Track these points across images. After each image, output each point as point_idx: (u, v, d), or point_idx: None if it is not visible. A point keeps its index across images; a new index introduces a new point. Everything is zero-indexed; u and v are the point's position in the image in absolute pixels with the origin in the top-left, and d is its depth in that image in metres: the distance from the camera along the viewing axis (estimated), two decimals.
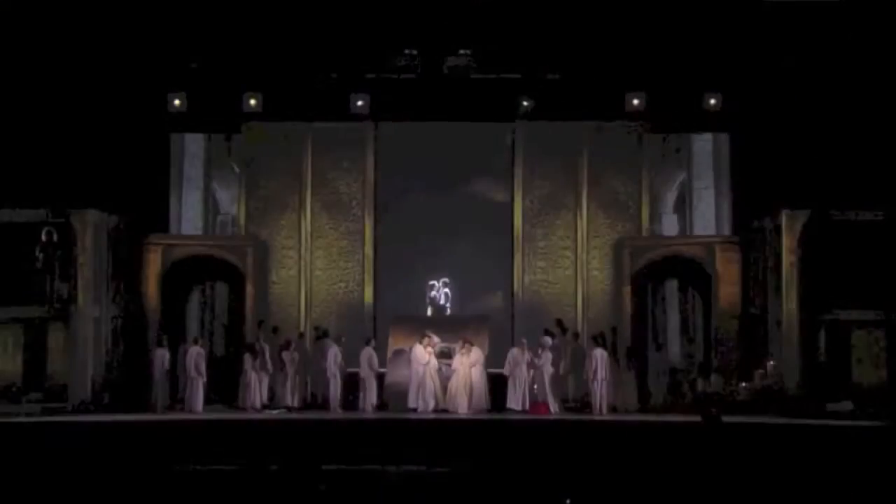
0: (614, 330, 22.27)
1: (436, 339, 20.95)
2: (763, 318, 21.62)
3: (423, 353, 20.76)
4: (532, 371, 20.83)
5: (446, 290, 22.67)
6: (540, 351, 20.89)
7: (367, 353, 21.07)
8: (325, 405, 21.12)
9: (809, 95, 21.16)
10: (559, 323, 22.03)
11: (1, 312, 20.77)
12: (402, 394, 20.94)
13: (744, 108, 21.99)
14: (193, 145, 24.01)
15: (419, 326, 21.49)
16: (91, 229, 21.15)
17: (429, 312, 22.99)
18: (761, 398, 20.31)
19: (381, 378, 21.28)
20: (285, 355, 21.29)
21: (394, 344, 21.62)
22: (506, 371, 20.91)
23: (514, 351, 20.99)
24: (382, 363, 21.36)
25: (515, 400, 20.75)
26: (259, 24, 20.83)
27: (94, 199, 21.34)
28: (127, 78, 21.39)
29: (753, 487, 13.60)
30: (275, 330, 22.13)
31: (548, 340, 21.00)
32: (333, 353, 21.07)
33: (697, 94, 21.98)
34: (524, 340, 21.22)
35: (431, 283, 22.87)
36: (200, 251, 23.00)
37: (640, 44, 21.12)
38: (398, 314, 22.58)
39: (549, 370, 20.76)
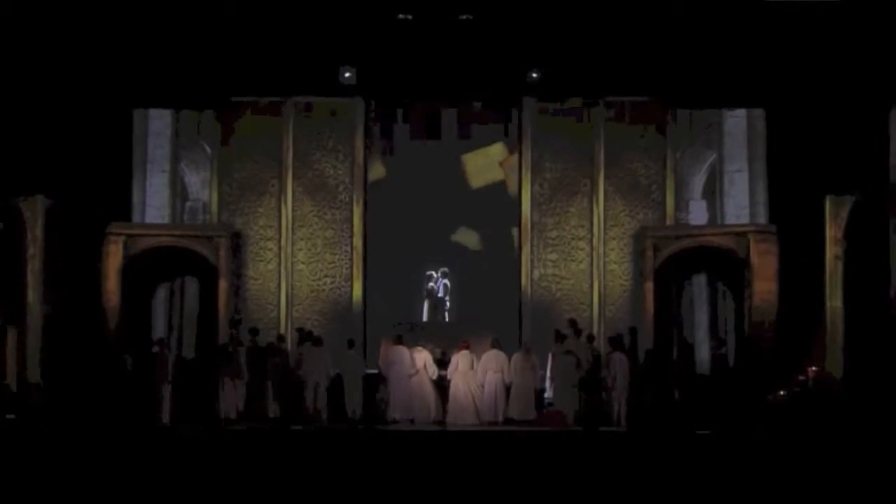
0: (634, 331, 22.19)
1: (430, 346, 21.02)
2: (804, 318, 21.52)
3: (418, 359, 20.75)
4: (538, 378, 20.76)
5: (445, 281, 22.61)
6: (550, 355, 20.71)
7: (354, 359, 20.92)
8: (307, 416, 20.98)
9: (854, 65, 20.99)
10: (572, 323, 21.94)
11: None
12: (395, 404, 21.01)
13: (781, 79, 21.78)
14: (158, 122, 23.81)
15: (414, 334, 21.45)
16: (42, 217, 21.02)
17: (425, 307, 22.87)
18: (802, 407, 20.21)
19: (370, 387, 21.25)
20: (272, 361, 21.17)
21: (385, 352, 21.62)
22: (506, 378, 20.89)
23: (517, 356, 20.89)
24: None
25: (518, 410, 20.69)
26: None
27: (45, 183, 21.15)
28: (83, 48, 21.18)
29: None
30: (253, 332, 21.91)
31: (569, 343, 20.86)
32: (318, 358, 20.94)
33: (726, 64, 21.83)
34: (529, 345, 21.08)
35: (429, 273, 22.80)
36: (167, 242, 22.80)
37: (662, 9, 21.01)
38: (391, 321, 22.41)
39: (560, 376, 20.63)
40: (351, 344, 21.24)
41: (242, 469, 15.49)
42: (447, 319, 22.71)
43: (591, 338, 21.85)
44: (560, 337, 21.38)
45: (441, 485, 14.41)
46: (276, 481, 14.69)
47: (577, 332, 21.72)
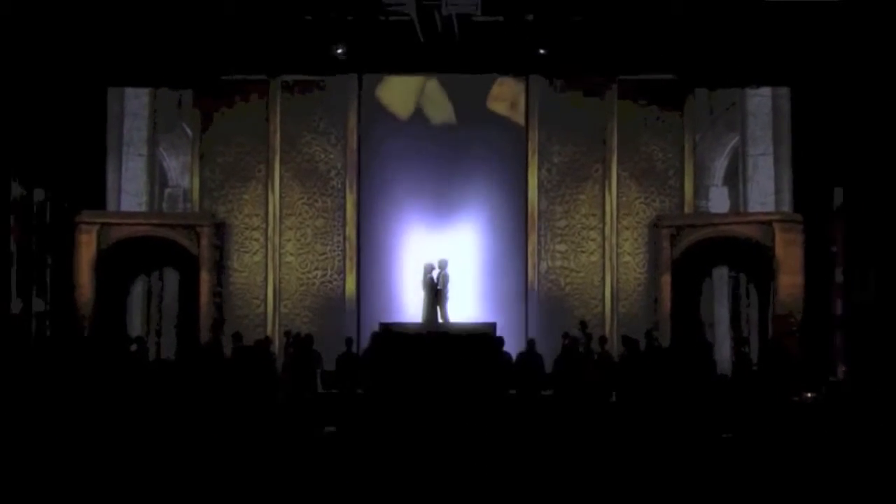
0: (650, 331, 21.86)
1: None
2: (832, 313, 21.57)
3: None
4: None
5: (445, 271, 22.31)
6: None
7: None
8: None
9: (885, 40, 20.69)
10: (583, 326, 21.65)
11: None
12: None
13: (808, 55, 21.63)
14: (135, 102, 23.88)
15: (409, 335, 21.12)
16: (9, 205, 21.09)
17: (423, 302, 22.53)
18: (831, 410, 19.96)
19: None
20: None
21: None
22: None
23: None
24: None
25: None
26: None
27: (13, 168, 21.10)
28: (53, 21, 20.94)
29: None
30: (236, 338, 21.30)
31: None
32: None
33: (749, 40, 21.61)
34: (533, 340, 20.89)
35: (428, 263, 22.51)
36: (144, 231, 22.69)
37: None
38: (383, 322, 22.03)
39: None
40: (349, 342, 20.97)
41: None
42: (448, 316, 22.35)
43: (603, 340, 21.44)
44: (567, 339, 21.01)
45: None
46: None
47: (588, 336, 21.33)
